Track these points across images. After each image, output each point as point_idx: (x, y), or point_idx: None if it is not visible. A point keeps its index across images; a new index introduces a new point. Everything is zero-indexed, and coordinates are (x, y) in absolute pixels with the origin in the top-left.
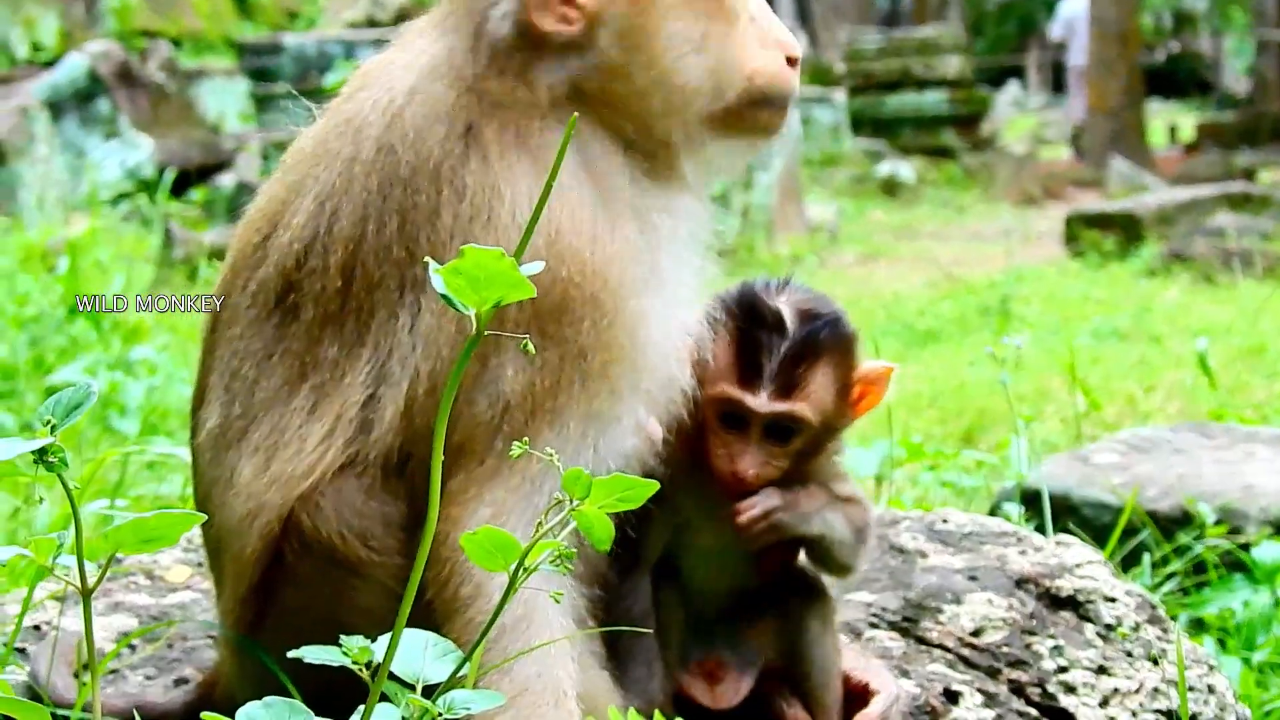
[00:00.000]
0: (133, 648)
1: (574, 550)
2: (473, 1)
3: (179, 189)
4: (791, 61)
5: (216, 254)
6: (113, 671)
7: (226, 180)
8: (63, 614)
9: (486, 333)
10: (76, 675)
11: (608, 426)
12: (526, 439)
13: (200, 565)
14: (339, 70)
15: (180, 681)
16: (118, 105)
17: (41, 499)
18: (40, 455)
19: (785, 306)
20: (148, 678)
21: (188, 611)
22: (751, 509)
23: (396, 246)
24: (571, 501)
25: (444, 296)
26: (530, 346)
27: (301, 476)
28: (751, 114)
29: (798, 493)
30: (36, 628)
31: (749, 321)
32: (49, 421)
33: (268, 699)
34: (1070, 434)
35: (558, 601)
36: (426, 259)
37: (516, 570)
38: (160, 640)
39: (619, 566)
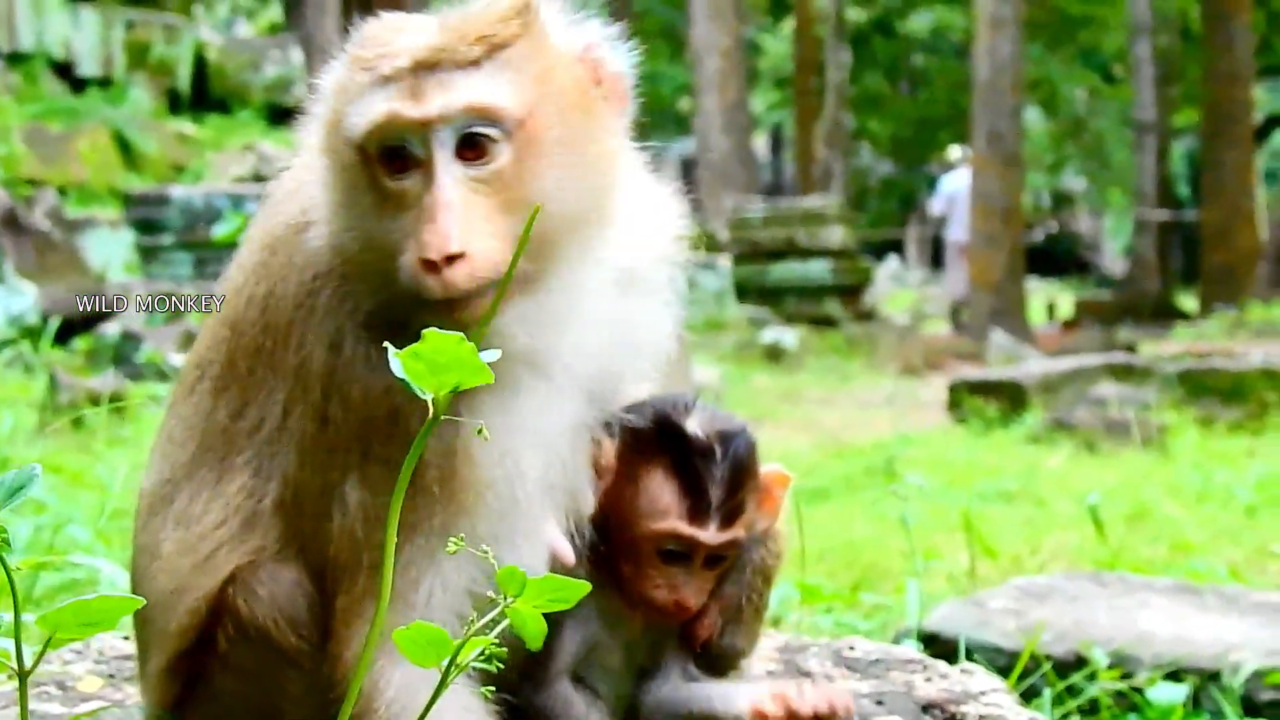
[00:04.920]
0: None
1: (505, 649)
2: None
3: (63, 337)
4: (428, 264)
5: (99, 400)
6: None
7: (111, 329)
8: None
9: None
10: None
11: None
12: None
13: (112, 677)
14: (227, 222)
15: None
16: (3, 251)
17: None
18: None
19: (708, 431)
20: None
21: None
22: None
23: (264, 336)
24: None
25: (401, 380)
26: (484, 432)
27: (214, 557)
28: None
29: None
30: None
31: (682, 452)
32: None
33: None
34: (957, 588)
35: (487, 700)
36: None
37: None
38: None
39: (533, 679)
